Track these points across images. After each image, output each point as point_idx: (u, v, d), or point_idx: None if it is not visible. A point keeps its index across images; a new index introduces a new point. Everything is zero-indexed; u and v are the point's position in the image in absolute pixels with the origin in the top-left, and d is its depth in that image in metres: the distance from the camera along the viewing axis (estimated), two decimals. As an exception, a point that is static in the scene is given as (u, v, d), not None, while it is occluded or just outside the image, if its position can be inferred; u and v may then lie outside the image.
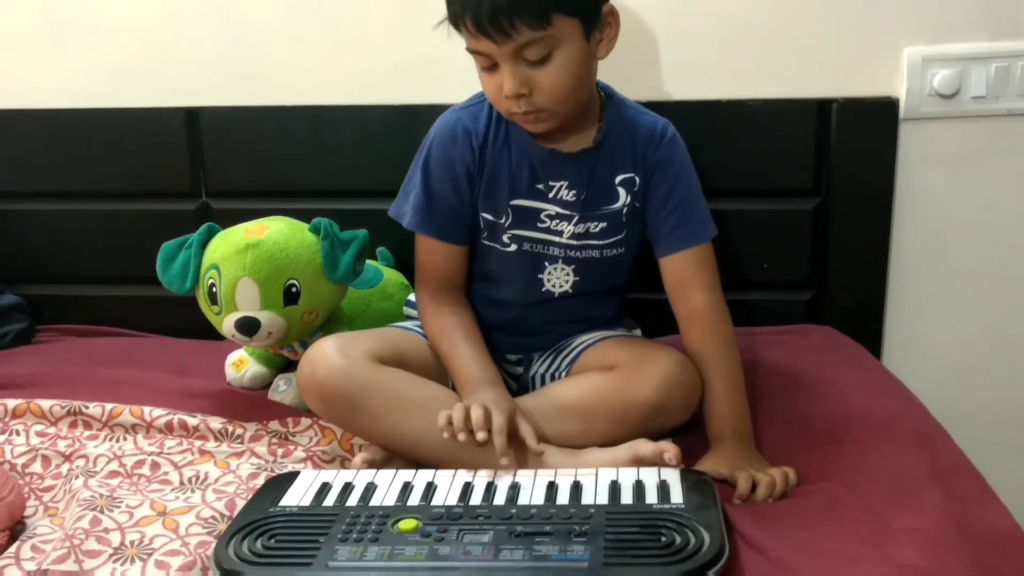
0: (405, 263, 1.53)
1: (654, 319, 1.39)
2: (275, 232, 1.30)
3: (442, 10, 1.49)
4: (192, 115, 1.58)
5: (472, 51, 1.15)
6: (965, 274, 1.54)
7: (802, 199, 1.51)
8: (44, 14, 1.59)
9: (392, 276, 1.51)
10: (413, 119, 1.49)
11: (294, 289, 1.29)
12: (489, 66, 1.15)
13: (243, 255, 1.27)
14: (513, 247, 1.27)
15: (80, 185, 1.64)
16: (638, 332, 1.40)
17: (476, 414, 1.08)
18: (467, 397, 1.16)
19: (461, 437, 1.07)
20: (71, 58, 1.60)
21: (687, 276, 1.27)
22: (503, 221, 1.26)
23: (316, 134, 1.56)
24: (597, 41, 1.17)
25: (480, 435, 1.07)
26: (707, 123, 1.47)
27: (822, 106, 1.47)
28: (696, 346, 1.24)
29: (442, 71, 1.52)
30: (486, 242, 1.28)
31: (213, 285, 1.28)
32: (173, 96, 1.58)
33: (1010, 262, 1.53)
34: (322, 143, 1.56)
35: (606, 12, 1.17)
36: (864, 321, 1.54)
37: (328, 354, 1.16)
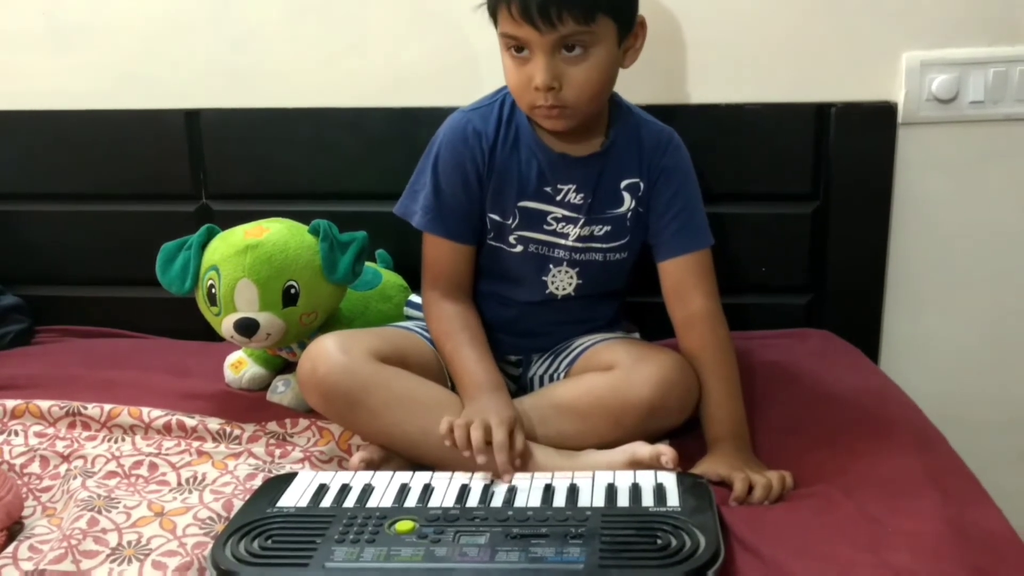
0: (404, 265, 1.54)
1: (652, 323, 1.39)
2: (274, 234, 1.30)
3: (442, 12, 1.51)
4: (192, 117, 1.58)
5: (508, 36, 1.14)
6: (963, 278, 1.54)
7: (801, 203, 1.52)
8: (45, 16, 1.59)
9: (391, 278, 1.51)
10: (413, 122, 1.50)
11: (293, 290, 1.29)
12: (521, 56, 1.15)
13: (242, 256, 1.27)
14: (519, 248, 1.28)
15: (80, 186, 1.64)
16: (636, 335, 1.40)
17: (476, 436, 1.08)
18: (469, 401, 1.17)
19: (466, 454, 1.08)
20: (72, 60, 1.60)
21: (686, 281, 1.27)
22: (510, 222, 1.27)
23: (316, 136, 1.57)
24: (625, 49, 1.19)
25: (480, 459, 1.07)
26: (706, 127, 1.48)
27: (821, 110, 1.48)
28: (694, 350, 1.24)
29: (442, 75, 1.53)
30: (492, 243, 1.29)
31: (212, 286, 1.29)
32: (174, 98, 1.59)
33: (1008, 267, 1.53)
34: (322, 145, 1.57)
35: (638, 23, 1.20)
36: (862, 325, 1.54)
37: (329, 351, 1.16)
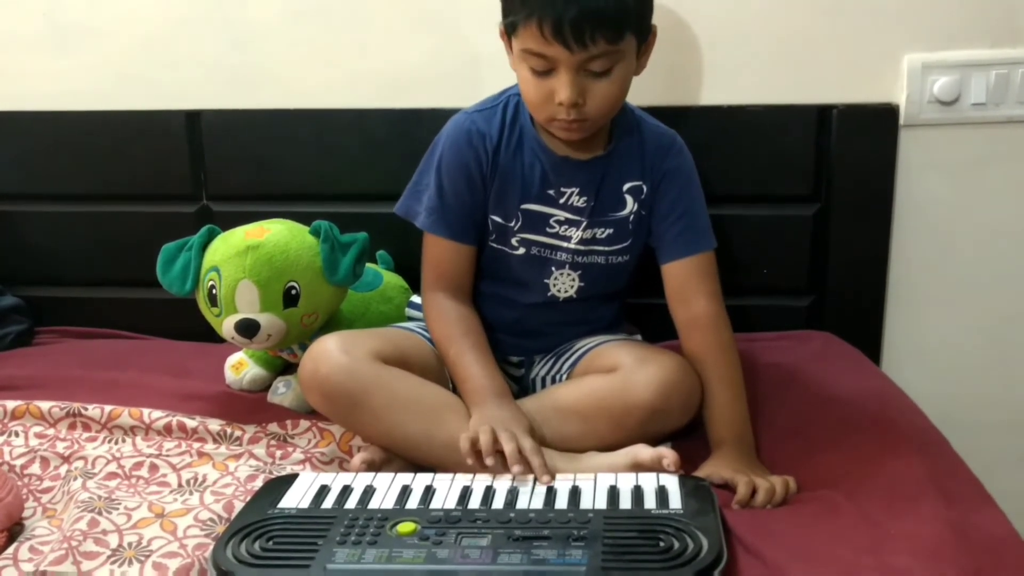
0: (405, 266, 1.53)
1: (654, 325, 1.39)
2: (275, 234, 1.30)
3: (443, 14, 1.51)
4: (193, 118, 1.58)
5: (533, 53, 1.13)
6: (965, 280, 1.54)
7: (802, 205, 1.52)
8: (46, 17, 1.59)
9: (392, 279, 1.51)
10: (414, 123, 1.50)
11: (294, 291, 1.29)
12: (544, 71, 1.14)
13: (243, 257, 1.27)
14: (521, 251, 1.28)
15: (81, 187, 1.64)
16: (638, 337, 1.40)
17: (510, 448, 1.07)
18: (476, 408, 1.16)
19: (489, 462, 1.07)
20: (73, 61, 1.60)
21: (690, 283, 1.27)
22: (512, 224, 1.27)
23: (317, 137, 1.57)
24: (639, 57, 1.19)
25: (516, 468, 1.06)
26: (708, 128, 1.48)
27: (822, 112, 1.48)
28: (698, 352, 1.24)
29: (444, 76, 1.53)
30: (494, 244, 1.29)
31: (213, 287, 1.29)
32: (174, 99, 1.59)
33: (1010, 269, 1.53)
34: (323, 146, 1.57)
35: (651, 32, 1.20)
36: (863, 327, 1.54)
37: (331, 351, 1.16)
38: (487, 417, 1.13)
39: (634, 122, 1.28)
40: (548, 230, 1.27)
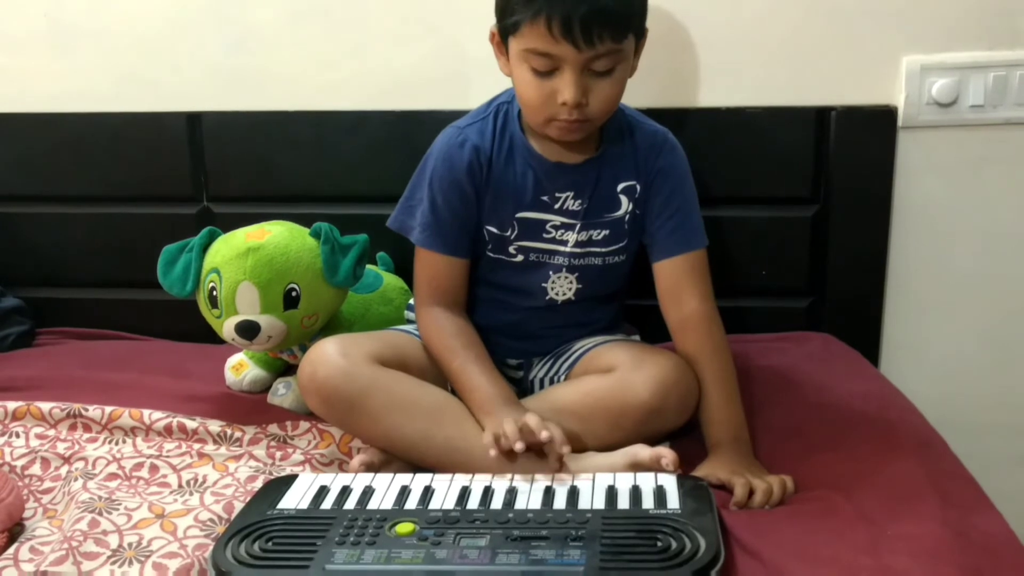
0: (405, 268, 1.53)
1: (653, 325, 1.39)
2: (276, 236, 1.31)
3: (441, 16, 1.51)
4: (194, 119, 1.59)
5: (537, 53, 1.13)
6: (963, 282, 1.54)
7: (801, 206, 1.52)
8: (47, 18, 1.60)
9: (392, 281, 1.51)
10: (414, 125, 1.50)
11: (294, 293, 1.29)
12: (547, 71, 1.14)
13: (244, 259, 1.28)
14: (520, 258, 1.28)
15: (82, 189, 1.64)
16: (636, 338, 1.40)
17: (533, 420, 1.10)
18: (486, 417, 1.16)
19: (519, 447, 1.07)
20: (73, 62, 1.60)
21: (682, 281, 1.27)
22: (509, 234, 1.27)
23: (317, 139, 1.57)
24: (634, 58, 1.20)
25: (544, 435, 1.08)
26: (706, 130, 1.48)
27: (821, 114, 1.48)
28: (690, 353, 1.24)
29: (441, 78, 1.53)
30: (492, 254, 1.29)
31: (214, 288, 1.29)
32: (175, 100, 1.59)
33: (1008, 270, 1.54)
34: (323, 148, 1.57)
35: (644, 34, 1.21)
36: (862, 328, 1.55)
37: (329, 354, 1.16)
38: (500, 419, 1.13)
39: (625, 122, 1.28)
40: (544, 236, 1.27)
